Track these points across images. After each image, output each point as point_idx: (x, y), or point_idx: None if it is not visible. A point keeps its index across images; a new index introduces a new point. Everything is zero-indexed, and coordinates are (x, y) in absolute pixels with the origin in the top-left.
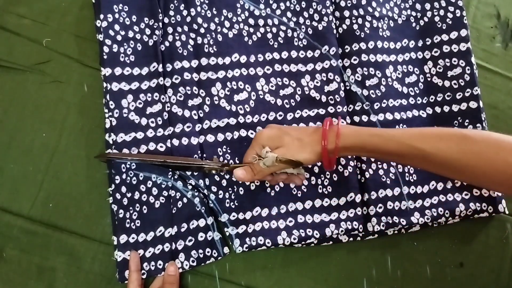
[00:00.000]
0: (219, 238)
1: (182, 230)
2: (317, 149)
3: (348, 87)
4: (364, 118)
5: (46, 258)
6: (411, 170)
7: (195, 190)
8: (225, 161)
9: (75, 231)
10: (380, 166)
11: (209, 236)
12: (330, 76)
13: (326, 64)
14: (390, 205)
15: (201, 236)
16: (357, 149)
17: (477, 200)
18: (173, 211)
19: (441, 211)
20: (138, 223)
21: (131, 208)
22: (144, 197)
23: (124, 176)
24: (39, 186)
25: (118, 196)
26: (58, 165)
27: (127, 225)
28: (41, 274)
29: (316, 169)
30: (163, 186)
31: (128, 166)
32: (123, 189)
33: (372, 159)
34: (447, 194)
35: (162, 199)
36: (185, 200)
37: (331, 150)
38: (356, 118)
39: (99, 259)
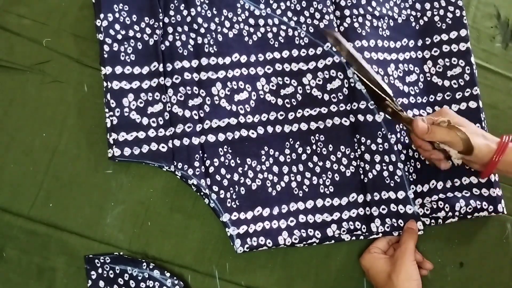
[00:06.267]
0: None
1: None
2: (493, 145)
3: (352, 84)
4: (369, 117)
5: (46, 258)
6: (411, 169)
7: (174, 277)
8: (226, 160)
9: (75, 231)
10: (385, 168)
11: None
12: (333, 73)
13: (329, 61)
14: (394, 208)
15: None
16: None
17: (478, 199)
18: None
19: (441, 204)
20: None
21: None
22: None
23: (100, 270)
24: (39, 186)
25: None
26: (58, 165)
27: None
28: (41, 274)
29: (317, 169)
30: (139, 278)
31: (102, 260)
32: (101, 283)
33: (376, 160)
34: (447, 193)
35: None
36: None
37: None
38: (361, 117)
39: None
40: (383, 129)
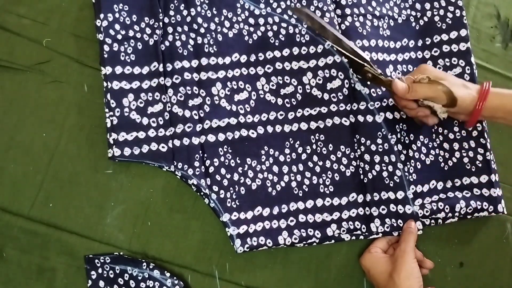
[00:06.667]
0: None
1: None
2: (475, 94)
3: (352, 85)
4: (369, 118)
5: (46, 258)
6: (411, 169)
7: (174, 277)
8: (226, 160)
9: (75, 231)
10: (384, 168)
11: None
12: (333, 72)
13: (330, 59)
14: (393, 208)
15: None
16: (501, 109)
17: (478, 199)
18: None
19: (441, 205)
20: None
21: None
22: None
23: (100, 270)
24: (39, 186)
25: None
26: (58, 165)
27: None
28: (41, 274)
29: (317, 169)
30: (139, 278)
31: (102, 260)
32: (101, 283)
33: (376, 160)
34: (447, 192)
35: None
36: None
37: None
38: (361, 118)
39: None
40: (383, 129)
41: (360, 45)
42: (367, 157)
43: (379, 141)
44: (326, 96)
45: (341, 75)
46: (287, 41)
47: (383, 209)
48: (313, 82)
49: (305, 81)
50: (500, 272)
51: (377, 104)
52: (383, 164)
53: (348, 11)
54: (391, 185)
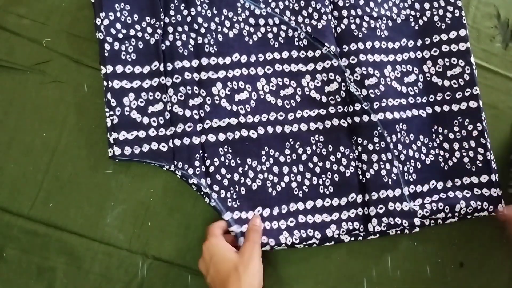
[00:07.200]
0: None
1: None
2: None
3: (349, 88)
4: (365, 118)
5: (46, 258)
6: (411, 169)
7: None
8: (226, 160)
9: (75, 231)
10: (382, 167)
11: None
12: (331, 76)
13: (327, 64)
14: (391, 206)
15: None
16: None
17: (478, 199)
18: None
19: (441, 206)
20: None
21: None
22: None
23: None
24: (39, 186)
25: None
26: (58, 165)
27: None
28: (41, 274)
29: (317, 169)
30: None
31: None
32: None
33: (374, 159)
34: (447, 192)
35: None
36: None
37: None
38: (357, 119)
39: (99, 259)
40: (379, 128)
41: (355, 48)
42: (364, 156)
43: (376, 139)
44: (324, 99)
45: (338, 78)
46: (286, 44)
47: (380, 208)
48: (311, 85)
49: (303, 83)
50: (500, 272)
51: (376, 104)
52: (380, 163)
53: (345, 13)
54: (390, 183)
